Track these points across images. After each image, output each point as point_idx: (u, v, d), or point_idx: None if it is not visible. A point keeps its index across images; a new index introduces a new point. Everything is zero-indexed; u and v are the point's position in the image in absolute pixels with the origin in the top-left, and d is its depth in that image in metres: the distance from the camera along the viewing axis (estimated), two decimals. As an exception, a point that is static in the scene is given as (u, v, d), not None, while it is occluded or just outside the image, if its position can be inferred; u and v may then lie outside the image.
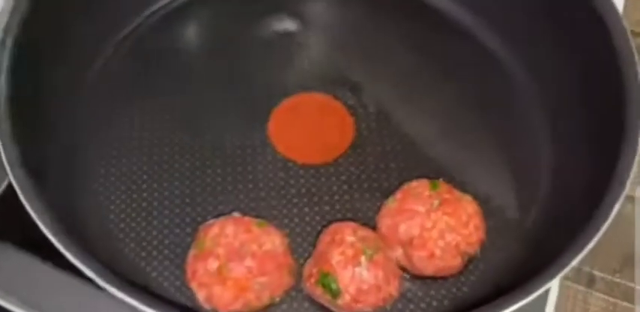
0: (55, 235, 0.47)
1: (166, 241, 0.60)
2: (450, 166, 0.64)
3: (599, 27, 0.58)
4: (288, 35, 0.71)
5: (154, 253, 0.59)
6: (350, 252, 0.55)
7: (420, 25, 0.72)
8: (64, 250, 0.47)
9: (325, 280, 0.54)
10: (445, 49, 0.71)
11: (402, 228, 0.57)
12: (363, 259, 0.54)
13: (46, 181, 0.52)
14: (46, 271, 0.52)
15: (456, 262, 0.58)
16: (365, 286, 0.54)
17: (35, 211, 0.48)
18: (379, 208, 0.60)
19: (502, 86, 0.69)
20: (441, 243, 0.57)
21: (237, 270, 0.54)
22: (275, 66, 0.69)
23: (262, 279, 0.55)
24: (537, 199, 0.63)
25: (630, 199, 0.71)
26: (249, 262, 0.54)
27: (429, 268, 0.58)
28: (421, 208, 0.57)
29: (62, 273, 0.52)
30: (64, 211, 0.51)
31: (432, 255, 0.57)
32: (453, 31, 0.72)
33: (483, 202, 0.60)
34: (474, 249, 0.58)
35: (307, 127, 0.67)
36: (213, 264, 0.54)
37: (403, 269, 0.59)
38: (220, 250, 0.54)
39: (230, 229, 0.55)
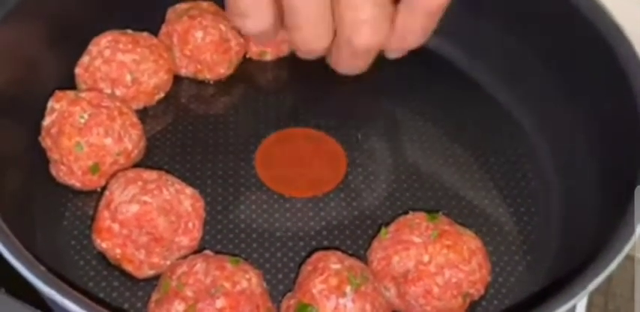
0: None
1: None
2: (451, 211, 0.59)
3: (621, 85, 0.55)
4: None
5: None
6: (334, 281, 0.48)
7: (430, 74, 0.69)
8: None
9: (304, 312, 0.47)
10: (452, 97, 0.68)
11: (396, 260, 0.51)
12: (348, 289, 0.47)
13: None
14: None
15: (456, 304, 0.51)
16: (350, 321, 0.47)
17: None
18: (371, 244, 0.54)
19: (508, 134, 0.65)
20: (439, 279, 0.50)
21: None
22: (267, 104, 0.66)
23: (236, 322, 0.47)
24: (547, 252, 0.57)
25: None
26: (221, 302, 0.47)
27: (425, 309, 0.50)
28: (417, 240, 0.51)
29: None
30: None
31: (428, 292, 0.50)
32: (456, 77, 0.69)
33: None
34: (477, 290, 0.52)
35: (297, 159, 0.62)
36: (178, 307, 0.47)
37: (396, 314, 0.52)
38: (188, 291, 0.48)
39: (200, 266, 0.49)
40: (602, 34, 0.57)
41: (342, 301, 0.47)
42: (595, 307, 0.63)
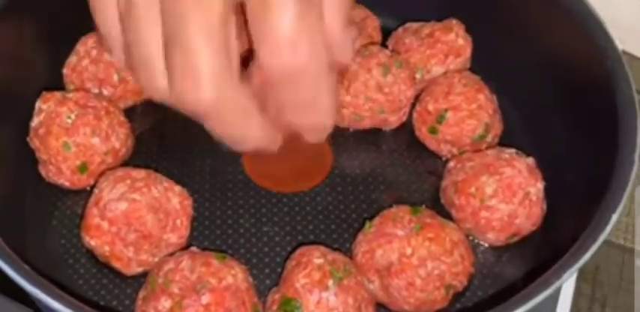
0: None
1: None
2: (435, 204, 0.59)
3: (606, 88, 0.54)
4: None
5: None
6: (317, 275, 0.49)
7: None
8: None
9: (288, 306, 0.48)
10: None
11: (379, 253, 0.52)
12: (331, 283, 0.48)
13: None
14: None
15: (439, 296, 0.51)
16: (333, 314, 0.48)
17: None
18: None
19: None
20: (421, 272, 0.51)
21: (193, 308, 0.47)
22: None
23: (223, 318, 0.48)
24: (530, 243, 0.57)
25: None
26: (207, 298, 0.48)
27: (408, 301, 0.51)
28: (400, 232, 0.52)
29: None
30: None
31: (411, 284, 0.51)
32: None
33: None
34: (460, 282, 0.52)
35: (283, 155, 0.61)
36: (165, 303, 0.48)
37: (380, 306, 0.53)
38: (174, 287, 0.48)
39: (186, 263, 0.50)
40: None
41: (324, 294, 0.48)
42: (582, 296, 0.64)
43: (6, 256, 0.43)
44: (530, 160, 0.56)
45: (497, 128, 0.62)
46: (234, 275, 0.50)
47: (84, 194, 0.57)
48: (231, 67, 0.33)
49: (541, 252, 0.55)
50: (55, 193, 0.59)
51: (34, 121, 0.57)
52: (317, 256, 0.50)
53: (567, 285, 0.59)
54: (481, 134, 0.60)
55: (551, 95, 0.61)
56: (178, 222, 0.55)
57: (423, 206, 0.55)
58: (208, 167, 0.61)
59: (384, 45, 0.67)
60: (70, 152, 0.56)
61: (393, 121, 0.62)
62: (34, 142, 0.57)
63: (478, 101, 0.60)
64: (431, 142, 0.61)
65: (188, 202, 0.56)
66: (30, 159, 0.58)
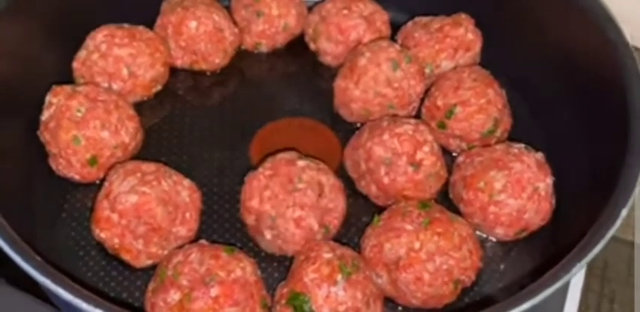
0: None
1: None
2: (444, 199, 0.59)
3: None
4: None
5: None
6: (325, 270, 0.49)
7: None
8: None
9: (297, 300, 0.48)
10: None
11: (387, 247, 0.52)
12: (339, 277, 0.48)
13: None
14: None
15: (447, 291, 0.51)
16: (341, 308, 0.48)
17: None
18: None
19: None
20: (430, 266, 0.51)
21: (202, 300, 0.48)
22: (262, 95, 0.67)
23: (231, 310, 0.48)
24: (539, 238, 0.57)
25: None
26: (216, 291, 0.48)
27: (416, 296, 0.51)
28: (409, 227, 0.52)
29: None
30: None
31: (419, 279, 0.51)
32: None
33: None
34: (468, 277, 0.52)
35: (292, 149, 0.62)
36: (174, 295, 0.48)
37: (388, 300, 0.53)
38: (183, 280, 0.49)
39: (195, 255, 0.50)
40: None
41: (333, 289, 0.48)
42: (591, 291, 0.64)
43: (17, 248, 0.43)
44: (540, 155, 0.56)
45: (507, 123, 0.62)
46: (243, 268, 0.50)
47: (93, 187, 0.58)
48: None
49: (550, 247, 0.55)
50: (65, 186, 0.59)
51: (44, 115, 0.58)
52: (326, 251, 0.50)
53: (576, 281, 0.59)
54: (490, 129, 0.60)
55: (561, 90, 0.61)
56: (187, 215, 0.55)
57: (432, 201, 0.55)
58: (217, 161, 0.61)
59: (393, 39, 0.67)
60: (79, 146, 0.56)
61: (402, 115, 0.62)
62: (45, 136, 0.57)
63: (487, 96, 0.59)
64: (440, 137, 0.61)
65: (197, 195, 0.56)
66: (40, 152, 0.58)
